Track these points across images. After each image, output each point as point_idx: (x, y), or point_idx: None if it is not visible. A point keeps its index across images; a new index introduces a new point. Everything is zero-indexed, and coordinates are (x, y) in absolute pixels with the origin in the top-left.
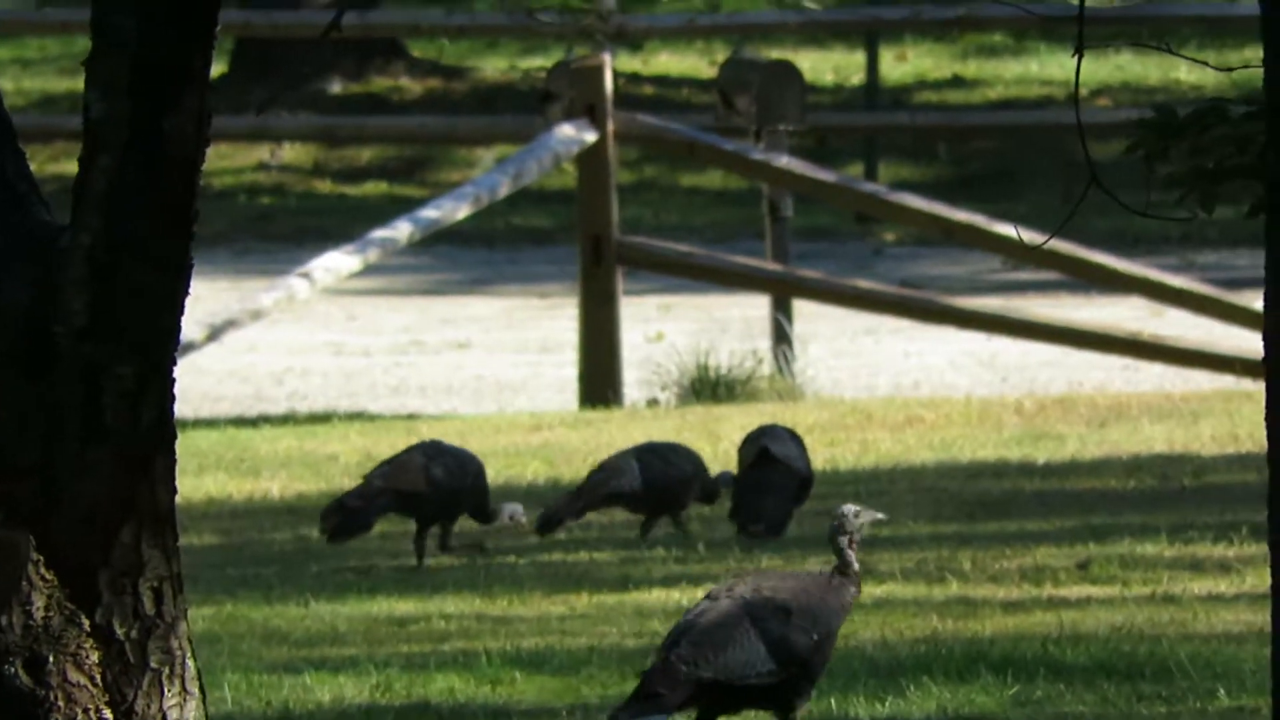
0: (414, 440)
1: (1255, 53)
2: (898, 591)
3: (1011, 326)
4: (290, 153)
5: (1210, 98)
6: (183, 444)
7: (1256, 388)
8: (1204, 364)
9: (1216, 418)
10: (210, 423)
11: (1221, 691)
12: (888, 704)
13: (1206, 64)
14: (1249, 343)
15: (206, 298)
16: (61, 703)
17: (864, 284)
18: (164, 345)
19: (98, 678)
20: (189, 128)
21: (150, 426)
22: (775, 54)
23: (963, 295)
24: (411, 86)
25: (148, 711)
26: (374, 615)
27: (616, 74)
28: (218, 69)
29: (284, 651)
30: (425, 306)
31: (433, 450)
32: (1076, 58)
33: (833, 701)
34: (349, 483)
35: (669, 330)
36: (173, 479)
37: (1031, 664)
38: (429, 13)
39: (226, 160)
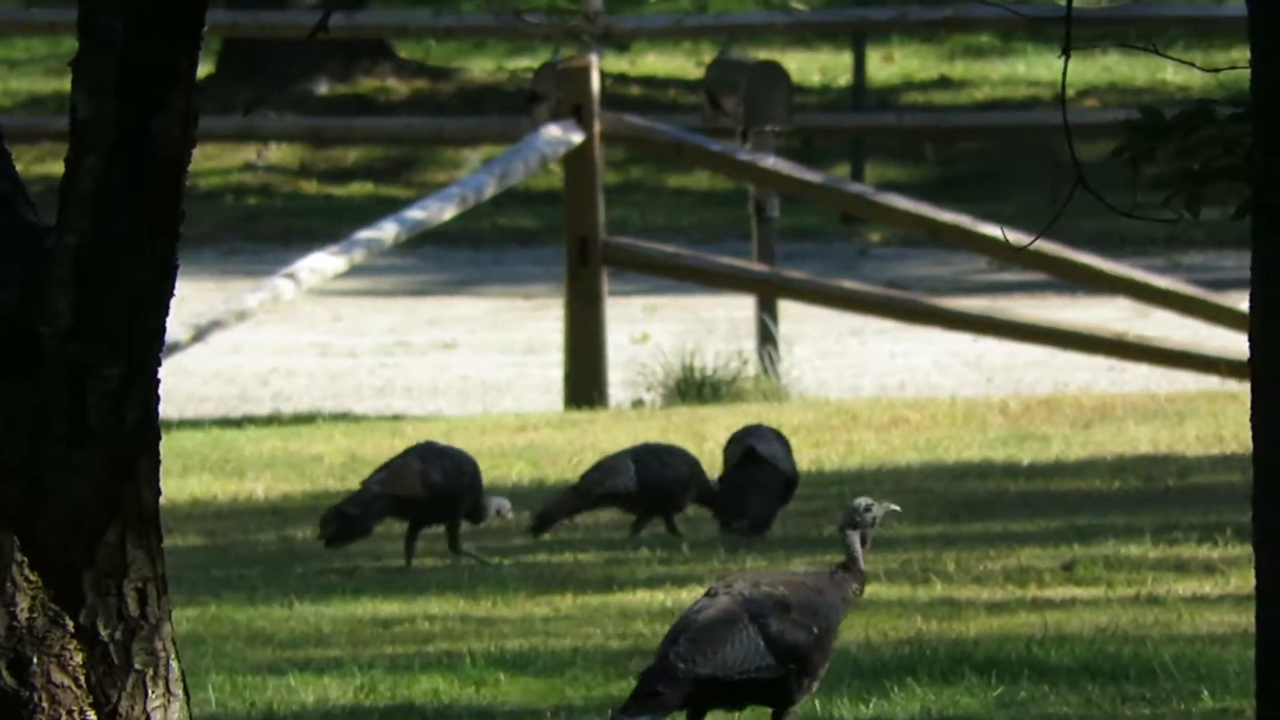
0: (399, 441)
1: (1242, 54)
2: (882, 592)
3: (997, 327)
4: (277, 153)
5: (1197, 99)
6: (167, 445)
7: (1242, 389)
8: (1189, 365)
9: (1202, 419)
10: (195, 423)
11: (1205, 693)
12: (871, 705)
13: (1193, 65)
14: (1234, 344)
15: (192, 298)
16: (45, 704)
17: (850, 285)
18: (149, 346)
19: (82, 679)
20: (176, 128)
21: (135, 427)
22: (762, 55)
23: (948, 296)
24: (398, 87)
25: (132, 713)
26: (358, 616)
27: (603, 75)
28: (204, 69)
29: (268, 653)
30: (411, 307)
31: (428, 453)
32: (1063, 58)
33: (817, 703)
34: (334, 484)
35: (655, 331)
36: (157, 480)
37: (1016, 665)
38: (416, 13)
39: (213, 161)
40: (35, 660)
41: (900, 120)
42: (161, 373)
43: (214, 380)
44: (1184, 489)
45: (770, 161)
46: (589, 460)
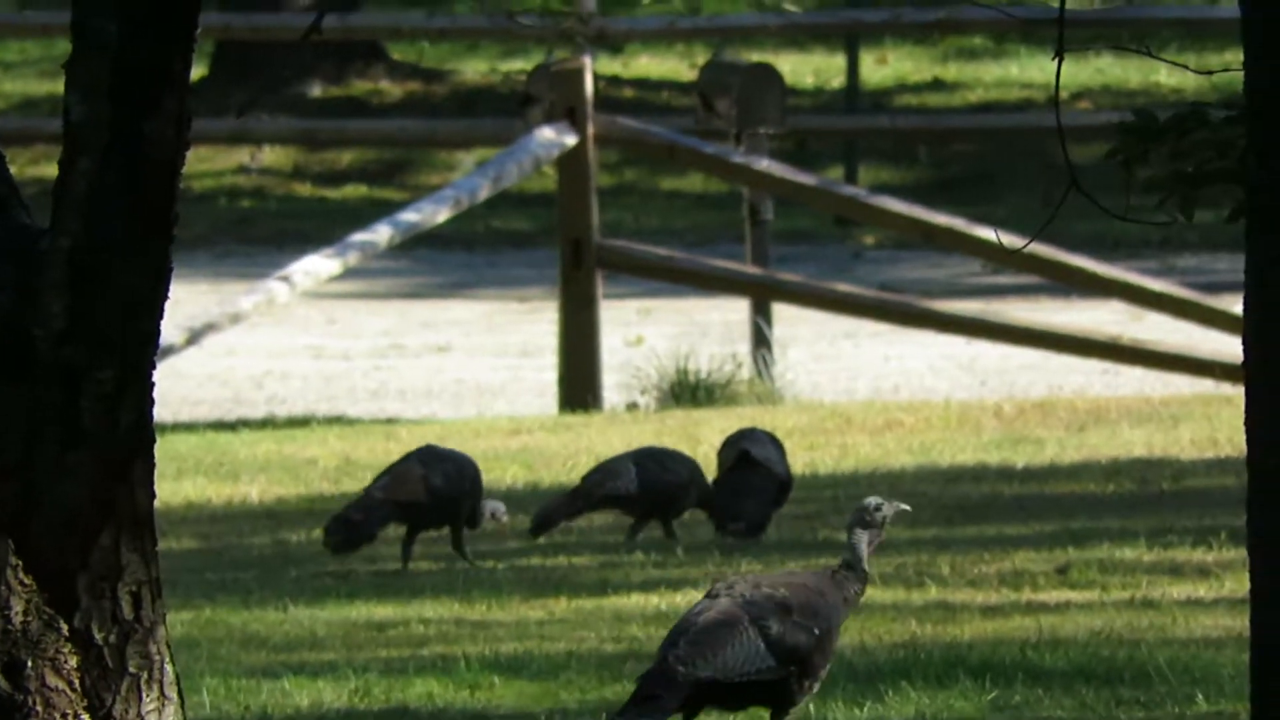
0: (393, 444)
1: (1236, 56)
2: (876, 596)
3: (991, 330)
4: (270, 155)
5: (1190, 101)
6: (162, 448)
7: (1236, 392)
8: (1183, 368)
9: (1196, 422)
10: (189, 426)
11: (1200, 696)
12: (866, 709)
13: (1187, 67)
14: (1229, 347)
15: (186, 301)
16: (40, 707)
17: (844, 287)
18: (143, 349)
19: (76, 682)
20: (169, 131)
21: (129, 430)
22: (755, 57)
23: (942, 299)
24: (391, 89)
25: (126, 716)
26: (353, 620)
27: (597, 77)
28: (198, 72)
29: (262, 656)
30: (405, 310)
31: (429, 457)
32: (1057, 61)
33: (811, 706)
34: (328, 487)
35: (649, 334)
36: (151, 483)
37: (1010, 669)
38: (409, 15)
39: (206, 163)
40: (30, 664)
41: (894, 122)
42: (155, 375)
43: (208, 383)
44: (1178, 492)
45: (764, 164)
46: (583, 463)
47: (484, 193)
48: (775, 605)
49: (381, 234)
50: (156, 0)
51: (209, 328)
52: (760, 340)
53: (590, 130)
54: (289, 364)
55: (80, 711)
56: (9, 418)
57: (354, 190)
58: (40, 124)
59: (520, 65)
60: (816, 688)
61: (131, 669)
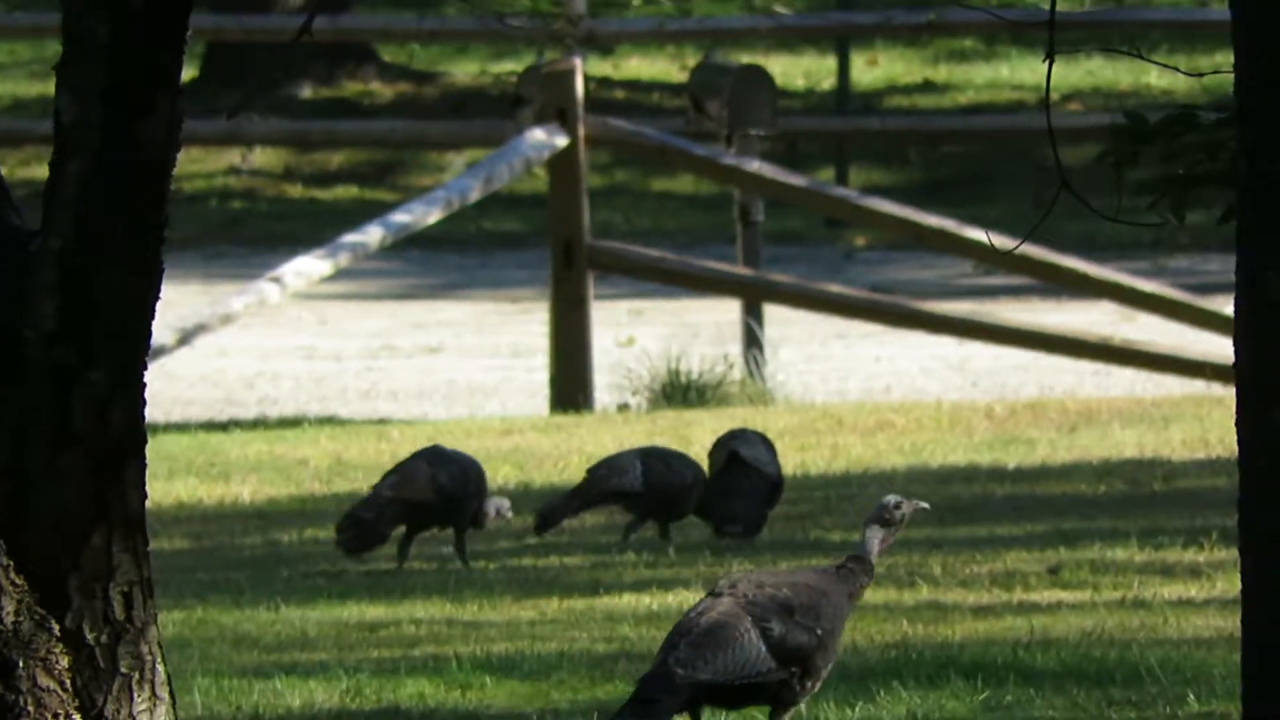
0: (385, 444)
1: (1226, 58)
2: (868, 596)
3: (982, 331)
4: (261, 157)
5: (1181, 103)
6: (153, 448)
7: (1227, 393)
8: (1175, 369)
9: (1187, 422)
10: (181, 427)
11: (1191, 697)
12: (857, 709)
13: (1177, 69)
14: (1220, 348)
15: (177, 302)
16: (31, 708)
17: (835, 288)
18: (134, 349)
19: (67, 683)
20: (160, 132)
21: (120, 431)
22: (746, 59)
23: (934, 300)
24: (382, 91)
25: (117, 716)
26: (344, 620)
27: (587, 78)
28: (189, 73)
29: (254, 656)
30: (396, 311)
31: (435, 457)
32: (1047, 62)
33: (803, 707)
34: (320, 487)
35: (640, 335)
36: (143, 483)
37: (1001, 669)
38: (400, 17)
39: (198, 164)
40: (21, 664)
41: (884, 124)
42: (147, 376)
43: (199, 384)
44: (1169, 493)
45: (755, 165)
46: (575, 464)
47: (475, 194)
48: (778, 606)
49: (373, 235)
50: (147, 2)
51: (200, 328)
52: (751, 341)
53: (581, 131)
54: (280, 365)
55: (72, 712)
56: (0, 418)
57: (345, 191)
58: (31, 125)
59: (511, 67)
60: (818, 687)
61: (123, 669)
